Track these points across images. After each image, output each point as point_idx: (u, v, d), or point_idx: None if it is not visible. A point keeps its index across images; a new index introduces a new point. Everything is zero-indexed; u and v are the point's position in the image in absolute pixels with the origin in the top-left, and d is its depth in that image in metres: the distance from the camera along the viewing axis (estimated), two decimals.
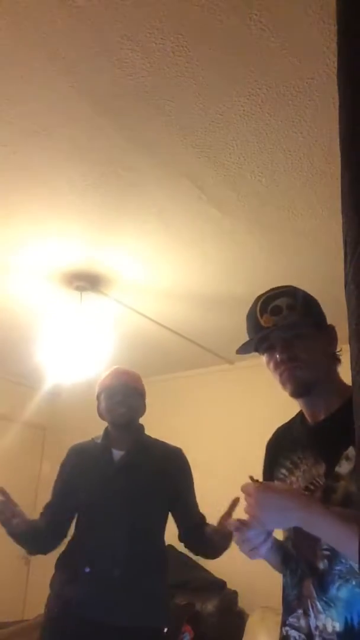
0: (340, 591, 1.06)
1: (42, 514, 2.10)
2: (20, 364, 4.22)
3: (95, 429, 2.19)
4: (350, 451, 1.08)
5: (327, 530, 1.02)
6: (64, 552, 2.05)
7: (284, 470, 1.27)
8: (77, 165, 2.09)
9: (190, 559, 3.75)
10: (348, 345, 0.65)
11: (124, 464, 2.04)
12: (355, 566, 1.04)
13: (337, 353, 1.28)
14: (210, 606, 3.36)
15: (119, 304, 3.26)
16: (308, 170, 2.08)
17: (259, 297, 1.29)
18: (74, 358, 2.91)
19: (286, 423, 1.40)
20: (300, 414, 1.34)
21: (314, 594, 1.10)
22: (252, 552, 1.15)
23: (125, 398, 2.08)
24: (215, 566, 3.60)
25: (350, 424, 1.11)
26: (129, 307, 3.30)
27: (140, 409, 2.16)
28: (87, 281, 2.98)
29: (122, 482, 2.01)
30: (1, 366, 4.53)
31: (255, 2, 1.44)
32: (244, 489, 1.09)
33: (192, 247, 2.67)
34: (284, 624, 1.20)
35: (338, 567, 1.07)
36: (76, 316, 3.06)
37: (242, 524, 1.13)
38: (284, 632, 1.19)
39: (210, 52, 1.59)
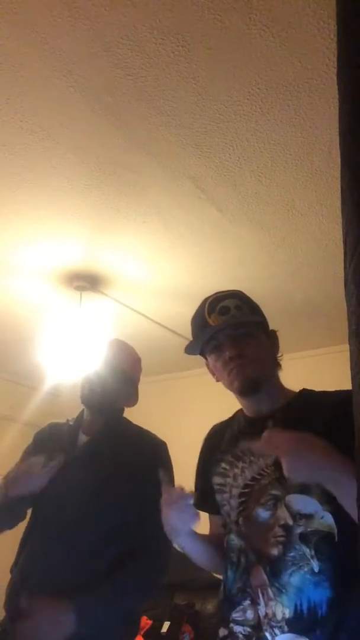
0: (293, 577, 1.07)
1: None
2: (20, 364, 4.22)
3: None
4: None
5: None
6: (16, 555, 1.79)
7: (224, 465, 1.28)
8: (77, 165, 2.09)
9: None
10: (347, 345, 0.65)
11: (84, 452, 1.76)
12: (307, 552, 1.07)
13: (279, 358, 1.32)
14: (210, 606, 3.36)
15: (118, 304, 3.26)
16: (308, 170, 2.08)
17: (205, 299, 1.31)
18: (74, 358, 2.91)
19: (224, 421, 1.42)
20: (239, 412, 1.36)
21: (266, 581, 1.10)
22: (182, 525, 1.23)
23: (103, 379, 1.79)
24: None
25: (299, 416, 1.16)
26: (129, 307, 3.29)
27: (120, 394, 1.83)
28: (87, 281, 2.98)
29: (77, 473, 1.72)
30: (1, 366, 4.52)
31: (255, 2, 1.44)
32: (271, 438, 1.06)
33: (191, 247, 2.67)
34: (226, 621, 1.17)
35: (292, 554, 1.09)
36: (76, 316, 3.06)
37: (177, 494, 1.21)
38: (227, 631, 1.16)
39: (210, 52, 1.59)
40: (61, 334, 2.97)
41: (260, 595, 1.10)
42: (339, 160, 0.70)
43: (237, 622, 1.14)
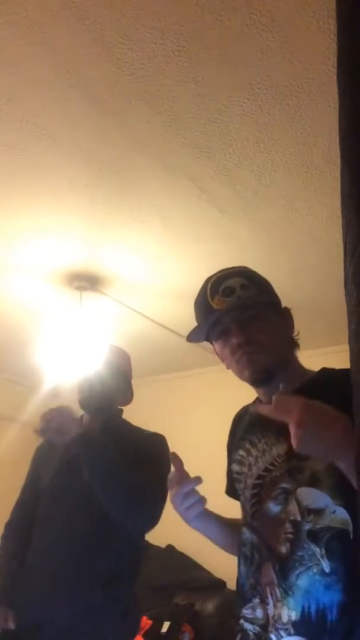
0: (300, 579, 0.99)
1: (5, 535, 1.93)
2: (20, 364, 4.22)
3: None
4: None
5: None
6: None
7: (241, 452, 1.19)
8: (77, 164, 2.09)
9: (190, 559, 3.75)
10: (347, 345, 0.65)
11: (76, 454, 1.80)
12: (317, 551, 0.98)
13: (295, 337, 1.20)
14: (210, 606, 3.36)
15: (118, 304, 3.26)
16: (308, 170, 2.08)
17: (208, 279, 1.20)
18: (74, 358, 2.91)
19: (247, 405, 1.33)
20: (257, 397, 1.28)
21: (275, 581, 1.02)
22: (187, 511, 1.14)
23: (97, 379, 1.84)
24: (215, 566, 3.59)
25: (311, 395, 0.99)
26: (129, 307, 3.29)
27: (117, 392, 1.88)
28: (87, 281, 2.98)
29: (73, 472, 1.76)
30: (1, 366, 4.52)
31: (255, 2, 1.44)
32: (282, 401, 0.89)
33: (191, 247, 2.67)
34: (238, 617, 1.12)
35: (299, 553, 1.00)
36: (76, 316, 3.06)
37: (181, 478, 1.12)
38: (239, 626, 1.11)
39: (210, 52, 1.59)
40: (61, 334, 2.97)
41: (269, 595, 1.03)
42: (339, 160, 0.70)
43: (247, 620, 1.08)
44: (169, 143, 1.96)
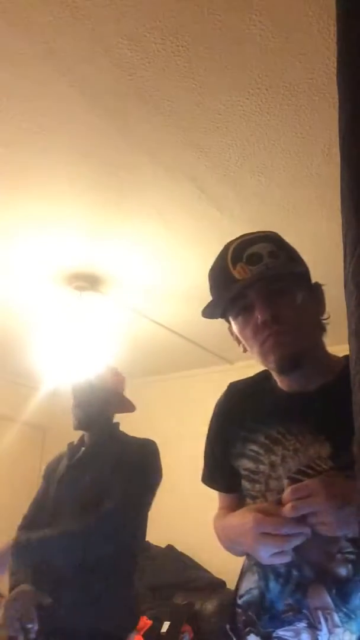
0: None
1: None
2: (20, 364, 4.22)
3: None
4: None
5: None
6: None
7: (255, 447, 1.02)
8: (77, 165, 2.09)
9: (190, 559, 3.75)
10: (347, 345, 0.65)
11: (76, 462, 1.95)
12: None
13: (324, 321, 1.05)
14: (210, 606, 3.36)
15: (118, 304, 3.26)
16: (308, 170, 2.08)
17: (229, 244, 1.03)
18: (74, 358, 2.91)
19: (246, 382, 1.17)
20: (266, 377, 1.10)
21: (331, 605, 0.90)
22: (281, 555, 0.90)
23: (82, 399, 1.95)
24: (215, 566, 3.59)
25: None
26: (129, 307, 3.30)
27: (103, 406, 1.97)
28: (87, 281, 2.98)
29: (72, 479, 1.91)
30: (1, 366, 4.52)
31: (255, 2, 1.44)
32: (303, 488, 0.85)
33: (191, 247, 2.67)
34: (265, 636, 0.96)
35: None
36: (76, 316, 3.06)
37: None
38: None
39: (210, 52, 1.59)
40: (61, 334, 2.97)
41: (323, 621, 0.90)
42: (339, 160, 0.70)
43: None
44: (169, 143, 1.96)
